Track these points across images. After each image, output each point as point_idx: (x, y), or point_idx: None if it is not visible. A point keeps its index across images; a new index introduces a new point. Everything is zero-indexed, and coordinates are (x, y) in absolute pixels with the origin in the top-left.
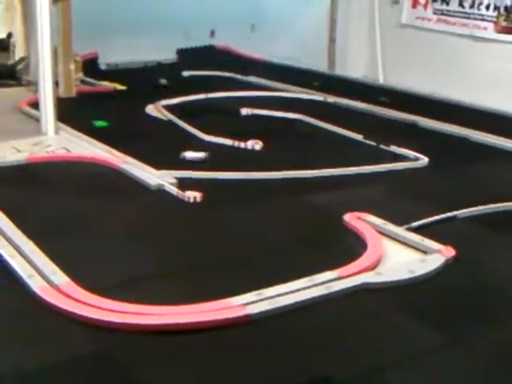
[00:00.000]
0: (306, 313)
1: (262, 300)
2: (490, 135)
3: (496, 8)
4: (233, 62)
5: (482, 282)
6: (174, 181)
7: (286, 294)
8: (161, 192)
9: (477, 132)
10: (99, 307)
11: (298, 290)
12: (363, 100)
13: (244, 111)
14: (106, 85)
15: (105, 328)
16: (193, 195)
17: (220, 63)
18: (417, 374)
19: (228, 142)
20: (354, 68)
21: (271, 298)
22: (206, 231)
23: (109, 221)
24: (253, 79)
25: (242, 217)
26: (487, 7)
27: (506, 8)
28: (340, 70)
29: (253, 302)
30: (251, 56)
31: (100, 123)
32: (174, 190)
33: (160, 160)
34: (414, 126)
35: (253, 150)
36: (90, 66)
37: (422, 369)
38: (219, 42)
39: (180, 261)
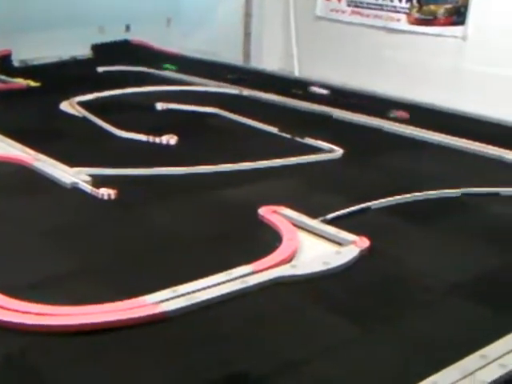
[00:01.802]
0: (222, 308)
1: (177, 297)
2: (403, 126)
3: (409, 0)
4: (148, 57)
5: (395, 271)
6: (88, 178)
7: (202, 289)
8: (75, 190)
9: (390, 123)
10: (11, 309)
11: (214, 286)
12: (278, 93)
13: (159, 106)
14: (20, 82)
15: (17, 330)
16: (107, 192)
17: (135, 58)
18: (332, 365)
19: (143, 137)
20: (269, 61)
21: (187, 294)
22: (121, 229)
23: (21, 220)
24: (168, 74)
25: (157, 213)
26: None
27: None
28: (256, 63)
29: (168, 299)
30: (167, 50)
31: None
32: (88, 188)
33: (74, 157)
34: (328, 118)
35: (168, 145)
36: (3, 63)
37: (337, 360)
38: (135, 36)
39: (94, 259)
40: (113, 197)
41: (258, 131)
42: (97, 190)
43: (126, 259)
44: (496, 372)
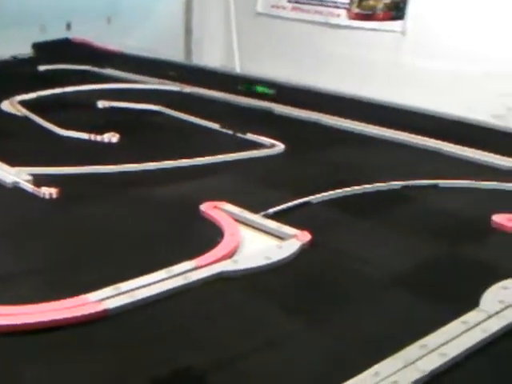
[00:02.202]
0: (165, 304)
1: (119, 294)
2: (344, 120)
3: None
4: (89, 55)
5: (336, 264)
6: (30, 177)
7: (144, 286)
8: (16, 189)
9: (332, 117)
10: None
11: (156, 282)
12: (220, 89)
13: (101, 104)
14: None
15: None
16: (48, 191)
17: (76, 56)
18: (276, 358)
19: (84, 135)
20: (211, 57)
21: (129, 291)
22: (63, 227)
23: None
24: (110, 72)
25: (99, 211)
26: None
27: None
28: (197, 60)
29: (110, 297)
30: (108, 48)
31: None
32: (30, 187)
33: (15, 157)
34: (270, 114)
35: (109, 143)
36: None
37: (281, 354)
38: (76, 35)
39: (36, 259)
40: (54, 196)
41: (199, 128)
42: (38, 189)
43: (68, 258)
44: (436, 361)
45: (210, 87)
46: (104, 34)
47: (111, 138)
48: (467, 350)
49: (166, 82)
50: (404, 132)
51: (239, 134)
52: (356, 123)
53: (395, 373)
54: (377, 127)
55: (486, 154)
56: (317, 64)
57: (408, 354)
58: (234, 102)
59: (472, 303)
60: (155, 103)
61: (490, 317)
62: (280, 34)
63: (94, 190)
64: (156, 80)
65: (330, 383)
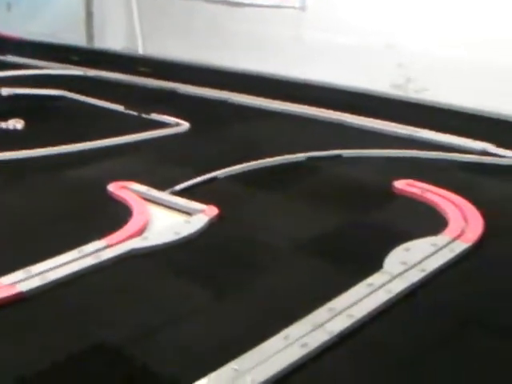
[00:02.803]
0: (78, 284)
1: (32, 276)
2: (248, 96)
3: None
4: None
5: (244, 236)
6: None
7: (56, 267)
8: None
9: (237, 94)
10: None
11: (68, 263)
12: (123, 71)
13: (4, 91)
14: None
15: None
16: None
17: None
18: (188, 332)
19: None
20: (113, 40)
21: (41, 273)
22: None
23: None
24: (11, 58)
25: (7, 197)
26: None
27: None
28: (100, 43)
29: (23, 280)
30: (8, 35)
31: None
32: None
33: None
34: (174, 93)
35: (14, 130)
36: None
37: (194, 326)
38: None
39: None
40: None
41: (104, 110)
42: None
43: None
44: (345, 322)
45: (113, 70)
46: (4, 21)
47: (16, 124)
48: (373, 310)
49: (69, 66)
50: (307, 106)
51: (144, 115)
52: (260, 99)
53: (305, 335)
54: (280, 102)
55: (386, 123)
56: (219, 42)
57: (316, 317)
58: (137, 84)
59: (376, 266)
60: (59, 88)
61: (393, 278)
62: (182, 13)
63: (0, 177)
64: (59, 65)
65: (241, 351)
